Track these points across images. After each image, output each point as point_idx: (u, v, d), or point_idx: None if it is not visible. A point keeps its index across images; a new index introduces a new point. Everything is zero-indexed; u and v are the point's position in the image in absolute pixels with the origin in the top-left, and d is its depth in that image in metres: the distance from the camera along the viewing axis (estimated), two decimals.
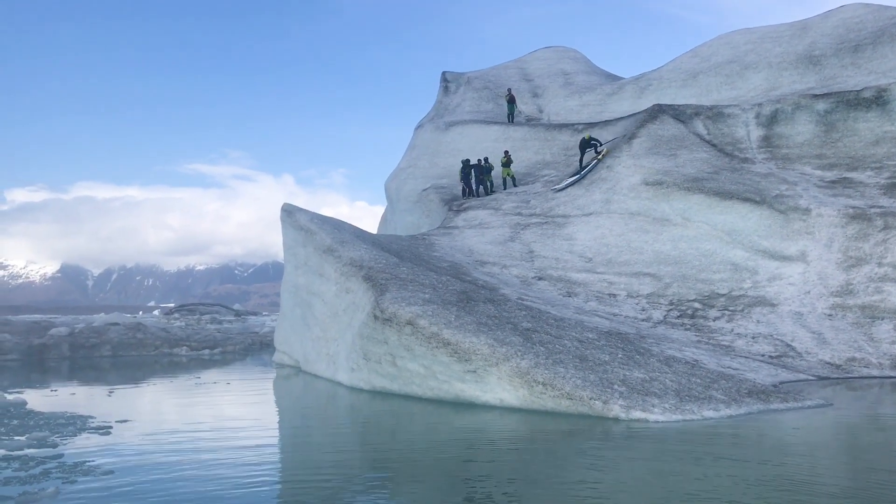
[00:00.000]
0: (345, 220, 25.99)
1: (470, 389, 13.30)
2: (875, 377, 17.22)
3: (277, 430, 12.92)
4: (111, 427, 12.19)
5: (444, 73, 43.37)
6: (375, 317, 15.44)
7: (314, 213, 23.99)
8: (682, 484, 7.76)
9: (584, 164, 29.05)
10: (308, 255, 21.34)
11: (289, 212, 23.42)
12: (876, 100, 26.16)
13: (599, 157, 28.34)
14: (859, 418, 12.30)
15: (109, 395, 17.38)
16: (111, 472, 8.78)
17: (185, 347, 32.88)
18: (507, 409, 12.78)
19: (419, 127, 40.36)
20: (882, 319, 19.15)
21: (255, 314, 67.67)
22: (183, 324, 39.42)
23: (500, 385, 12.86)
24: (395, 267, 18.79)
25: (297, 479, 8.78)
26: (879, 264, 20.51)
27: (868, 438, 10.82)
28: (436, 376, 13.81)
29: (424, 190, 33.74)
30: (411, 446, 10.47)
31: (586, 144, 29.00)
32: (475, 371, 13.19)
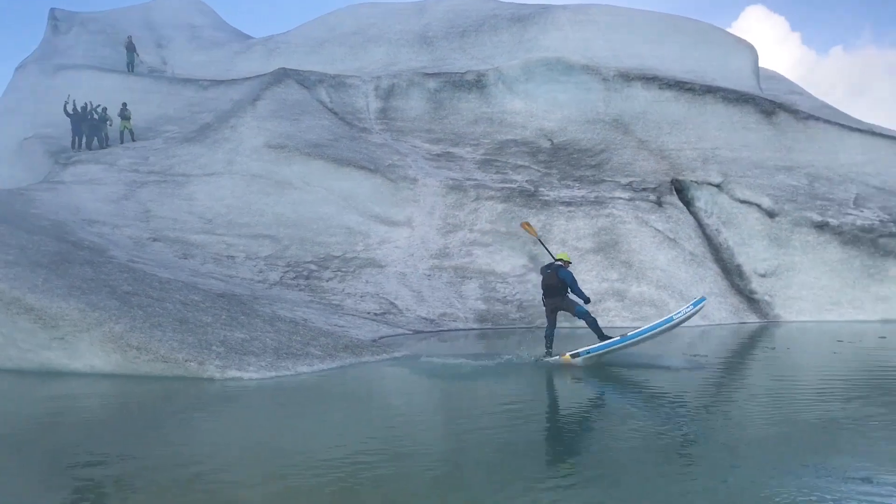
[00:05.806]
0: None
1: (57, 357, 12.30)
2: (461, 329, 19.47)
3: None
4: None
5: (52, 9, 39.07)
6: None
7: None
8: (264, 433, 8.10)
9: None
10: None
11: None
12: (476, 83, 29.27)
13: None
14: (420, 366, 13.75)
15: None
16: None
17: None
18: (101, 375, 12.08)
19: (21, 67, 35.91)
20: (470, 279, 21.64)
21: None
22: None
23: (91, 351, 12.09)
24: None
25: None
26: (471, 230, 23.11)
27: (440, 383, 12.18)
28: (17, 344, 12.51)
29: (27, 139, 30.23)
30: None
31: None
32: (63, 338, 12.22)
